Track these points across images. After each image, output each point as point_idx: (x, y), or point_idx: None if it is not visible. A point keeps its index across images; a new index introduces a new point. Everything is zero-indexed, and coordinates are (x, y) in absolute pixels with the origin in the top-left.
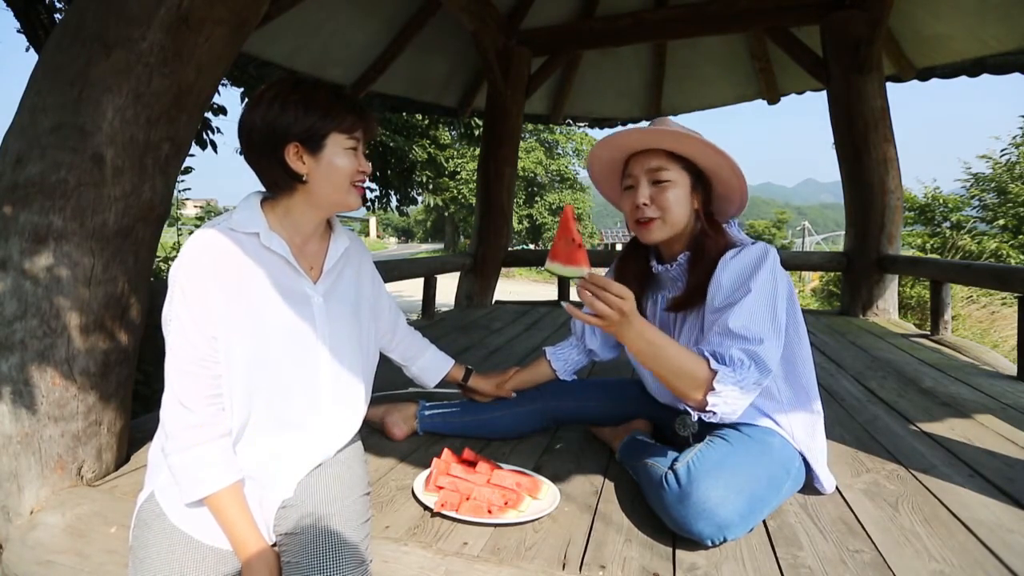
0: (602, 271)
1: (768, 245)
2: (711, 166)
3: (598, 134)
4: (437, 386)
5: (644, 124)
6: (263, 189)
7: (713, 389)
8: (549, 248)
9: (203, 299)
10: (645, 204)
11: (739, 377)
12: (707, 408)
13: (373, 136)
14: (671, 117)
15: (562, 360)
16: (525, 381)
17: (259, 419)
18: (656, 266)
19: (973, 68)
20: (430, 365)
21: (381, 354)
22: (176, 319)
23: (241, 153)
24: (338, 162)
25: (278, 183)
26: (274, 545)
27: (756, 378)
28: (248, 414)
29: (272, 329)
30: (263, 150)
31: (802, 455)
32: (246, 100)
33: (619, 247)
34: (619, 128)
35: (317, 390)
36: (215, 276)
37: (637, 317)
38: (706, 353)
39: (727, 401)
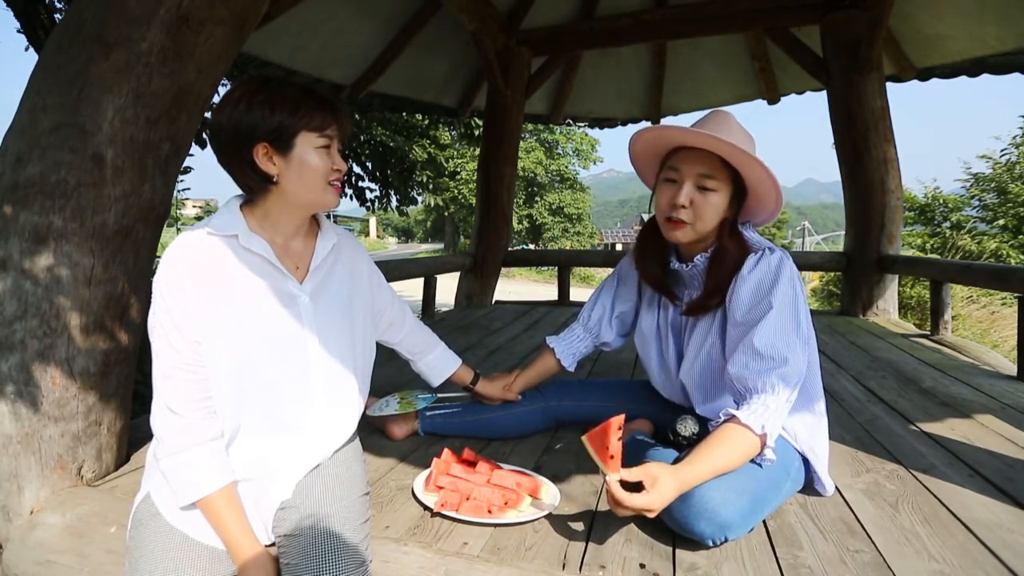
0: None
1: (783, 252)
2: (754, 181)
3: (598, 134)
4: (443, 385)
5: (713, 111)
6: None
7: (764, 438)
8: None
9: (182, 304)
10: (684, 206)
11: (775, 407)
12: (765, 446)
13: (347, 134)
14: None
15: (570, 354)
16: (532, 379)
17: (252, 421)
18: (675, 263)
19: (973, 68)
20: (437, 363)
21: (390, 349)
22: (159, 325)
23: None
24: (309, 161)
25: (251, 185)
26: (272, 545)
27: (787, 395)
28: (240, 416)
29: (256, 331)
30: (232, 152)
31: (802, 456)
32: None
33: (619, 247)
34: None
35: (309, 390)
36: (193, 280)
37: (667, 489)
38: (736, 411)
39: (775, 432)
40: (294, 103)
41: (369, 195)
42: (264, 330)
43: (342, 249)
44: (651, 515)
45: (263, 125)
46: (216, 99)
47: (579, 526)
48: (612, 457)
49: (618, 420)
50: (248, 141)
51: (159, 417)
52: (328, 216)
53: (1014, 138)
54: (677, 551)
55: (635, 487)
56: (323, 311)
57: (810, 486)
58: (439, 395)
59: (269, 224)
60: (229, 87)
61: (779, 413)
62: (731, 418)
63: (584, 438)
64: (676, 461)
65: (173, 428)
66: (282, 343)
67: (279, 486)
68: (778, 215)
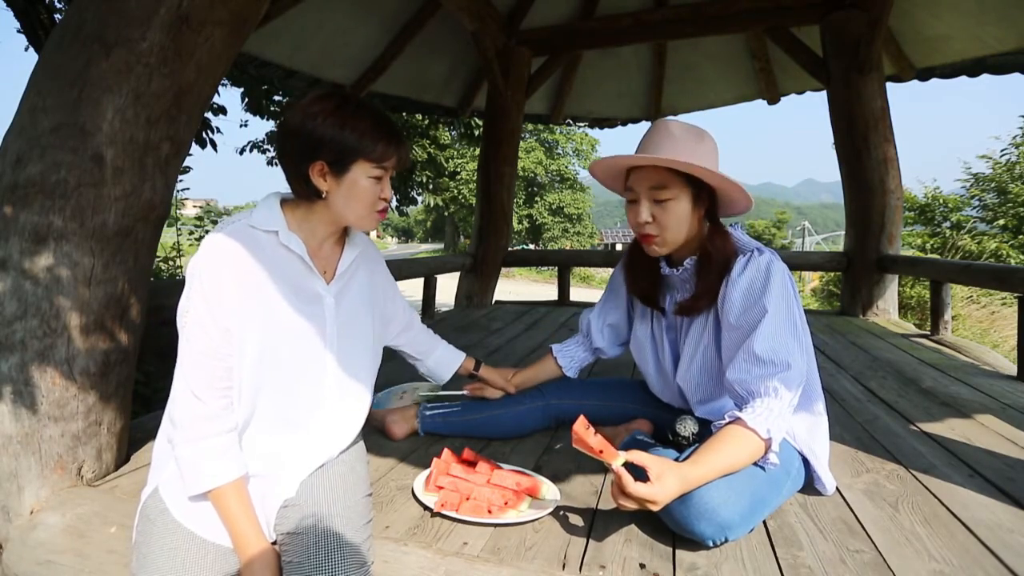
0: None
1: (772, 253)
2: (708, 179)
3: (598, 134)
4: (449, 382)
5: (649, 123)
6: (281, 190)
7: (769, 443)
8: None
9: (219, 291)
10: (647, 222)
11: (778, 410)
12: (770, 450)
13: (405, 164)
14: (673, 118)
15: (568, 358)
16: (530, 378)
17: (264, 415)
18: (665, 268)
19: (973, 68)
20: (443, 359)
21: (391, 349)
22: (193, 310)
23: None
24: (360, 189)
25: (299, 192)
26: (274, 543)
27: (790, 399)
28: (253, 409)
29: (283, 325)
30: (292, 160)
31: (802, 455)
32: (289, 103)
33: (619, 247)
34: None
35: (321, 388)
36: (231, 270)
37: (672, 484)
38: (741, 413)
39: (778, 435)
40: (362, 130)
41: None
42: (290, 325)
43: (364, 257)
44: (655, 508)
45: (325, 145)
46: (217, 99)
47: (579, 526)
48: (602, 451)
49: (580, 422)
50: (308, 157)
51: (181, 402)
52: None
53: (1014, 138)
54: (677, 551)
55: (640, 476)
56: (344, 314)
57: (810, 486)
58: (441, 392)
59: (307, 227)
60: (309, 95)
61: (783, 417)
62: (736, 420)
63: (574, 445)
64: (676, 460)
65: (195, 414)
66: (305, 340)
67: (284, 484)
68: (750, 203)
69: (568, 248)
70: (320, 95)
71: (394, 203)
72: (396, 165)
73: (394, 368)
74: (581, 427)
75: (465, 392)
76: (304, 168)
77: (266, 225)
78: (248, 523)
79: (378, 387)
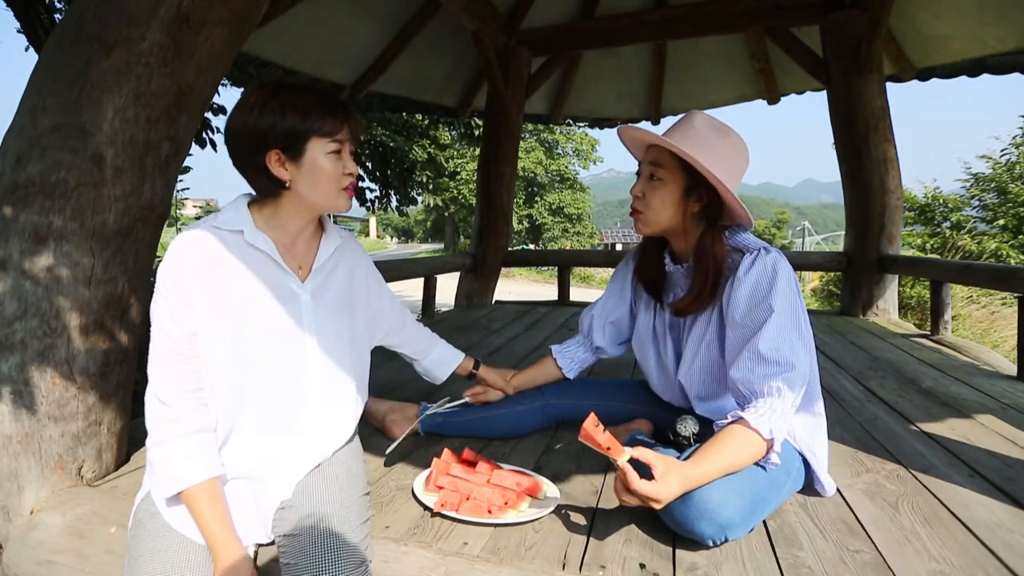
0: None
1: (779, 252)
2: (698, 168)
3: (598, 134)
4: (449, 385)
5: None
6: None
7: (771, 443)
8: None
9: (183, 295)
10: (637, 196)
11: (781, 411)
12: (772, 451)
13: (359, 136)
14: (705, 111)
15: (568, 358)
16: (530, 379)
17: (249, 417)
18: (669, 265)
19: (973, 68)
20: (441, 359)
21: (390, 351)
22: (157, 313)
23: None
24: (321, 168)
25: (264, 189)
26: (271, 543)
27: (792, 399)
28: (236, 412)
29: (256, 325)
30: (245, 157)
31: (802, 456)
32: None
33: (619, 247)
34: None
35: (306, 388)
36: (196, 273)
37: (675, 483)
38: (743, 413)
39: (780, 436)
40: (305, 109)
41: (369, 195)
42: (264, 325)
43: (344, 252)
44: (657, 507)
45: (274, 132)
46: (217, 99)
47: (579, 526)
48: (609, 448)
49: (591, 419)
50: (261, 148)
51: (148, 406)
52: (328, 216)
53: (1014, 138)
54: (677, 551)
55: (644, 473)
56: (323, 311)
57: (810, 486)
58: (445, 407)
59: (276, 223)
60: (243, 91)
61: (785, 418)
62: (738, 420)
63: (580, 439)
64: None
65: (159, 418)
66: (281, 339)
67: (279, 486)
68: (748, 217)
69: (568, 248)
70: (253, 88)
71: (394, 203)
72: (351, 137)
73: (395, 368)
74: (591, 424)
75: (467, 399)
76: (260, 161)
77: (231, 225)
78: (219, 526)
79: (379, 388)
